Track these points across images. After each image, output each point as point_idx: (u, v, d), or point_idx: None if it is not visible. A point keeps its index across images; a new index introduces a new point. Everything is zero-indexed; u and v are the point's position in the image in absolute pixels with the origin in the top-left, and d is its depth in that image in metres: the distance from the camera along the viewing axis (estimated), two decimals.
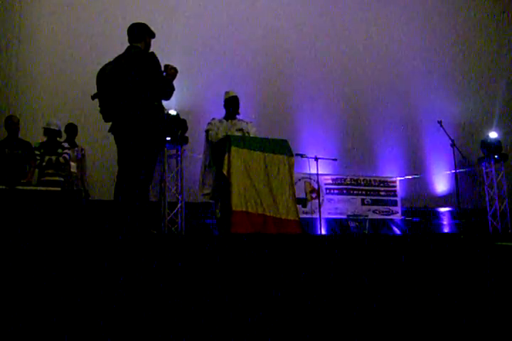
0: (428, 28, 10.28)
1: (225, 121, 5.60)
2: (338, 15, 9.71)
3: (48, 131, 6.29)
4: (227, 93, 5.72)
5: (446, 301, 2.25)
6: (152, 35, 4.33)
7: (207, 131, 5.53)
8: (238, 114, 5.66)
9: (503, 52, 10.75)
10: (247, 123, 5.65)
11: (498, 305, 2.19)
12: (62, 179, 6.25)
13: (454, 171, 7.22)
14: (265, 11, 9.18)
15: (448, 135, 6.97)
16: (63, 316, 1.85)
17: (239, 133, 5.47)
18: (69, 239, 4.74)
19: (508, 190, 9.31)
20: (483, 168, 9.54)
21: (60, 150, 6.27)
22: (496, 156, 9.20)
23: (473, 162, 9.54)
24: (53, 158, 6.20)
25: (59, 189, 5.99)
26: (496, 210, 9.29)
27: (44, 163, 6.18)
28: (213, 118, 5.62)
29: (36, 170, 6.26)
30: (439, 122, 6.99)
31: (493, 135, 9.37)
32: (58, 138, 6.43)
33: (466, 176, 9.44)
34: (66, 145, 6.44)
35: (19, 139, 6.23)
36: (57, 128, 6.33)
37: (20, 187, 5.57)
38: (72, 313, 1.89)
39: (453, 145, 7.01)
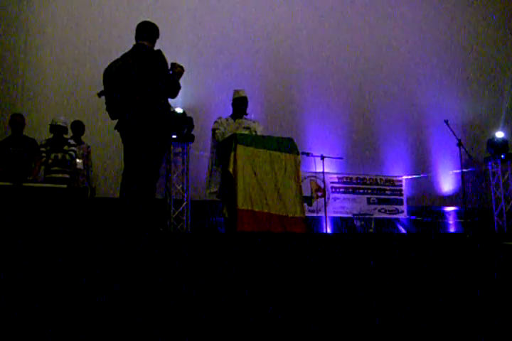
0: (435, 28, 10.23)
1: (231, 120, 5.58)
2: (345, 15, 9.68)
3: (54, 128, 6.30)
4: (236, 92, 5.67)
5: (452, 300, 2.24)
6: (158, 36, 4.35)
7: (213, 130, 5.51)
8: (246, 114, 5.65)
9: (509, 51, 10.70)
10: (253, 121, 5.64)
11: (504, 304, 2.18)
12: (68, 176, 6.26)
13: (460, 171, 7.20)
14: (273, 10, 9.16)
15: (454, 134, 6.94)
16: (67, 313, 1.85)
17: (246, 132, 5.45)
18: (75, 236, 4.75)
19: None
20: (490, 168, 9.50)
21: (66, 148, 6.28)
22: (502, 156, 9.17)
23: (480, 161, 9.51)
24: (59, 155, 6.21)
25: (65, 186, 6.00)
26: (501, 210, 9.25)
27: (50, 161, 6.19)
28: (220, 117, 5.60)
29: (43, 168, 6.27)
30: (446, 121, 6.97)
31: (499, 135, 9.34)
32: (65, 135, 6.43)
33: (472, 176, 9.41)
34: (72, 142, 6.43)
35: (24, 136, 6.23)
36: (63, 125, 6.33)
37: (26, 184, 5.58)
38: (77, 310, 1.89)
39: (459, 144, 6.99)
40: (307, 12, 9.43)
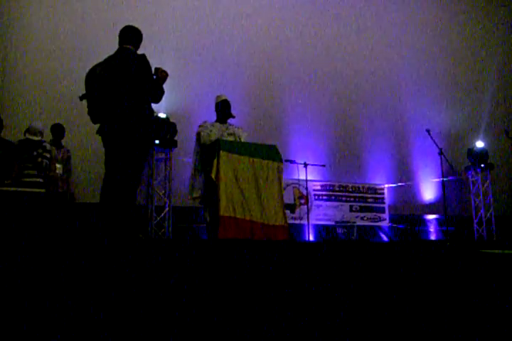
0: (418, 38, 10.37)
1: (216, 124, 5.56)
2: (330, 23, 9.76)
3: (27, 140, 6.10)
4: (218, 97, 5.69)
5: (431, 307, 2.24)
6: (141, 40, 4.32)
7: (198, 134, 5.46)
8: (233, 117, 5.63)
9: (490, 62, 10.87)
10: (238, 128, 5.63)
11: (482, 310, 2.19)
12: (41, 180, 6.07)
13: (441, 179, 7.26)
14: (258, 17, 9.19)
15: (436, 143, 7.01)
16: (42, 323, 1.81)
17: (230, 138, 5.43)
18: (53, 242, 4.69)
19: (493, 199, 9.40)
20: (470, 177, 9.64)
21: (40, 151, 6.09)
22: (482, 165, 9.31)
23: (460, 170, 9.63)
24: (35, 158, 6.03)
25: (43, 190, 5.89)
26: (481, 218, 9.37)
27: (29, 164, 6.04)
28: (205, 121, 5.57)
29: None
30: (428, 131, 7.04)
31: (479, 144, 9.49)
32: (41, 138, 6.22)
33: (452, 184, 9.52)
34: (47, 146, 6.23)
35: (2, 139, 6.09)
36: (37, 138, 6.07)
37: (2, 188, 5.48)
38: (54, 320, 1.85)
39: (440, 153, 7.06)
40: (292, 21, 9.48)
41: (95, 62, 4.19)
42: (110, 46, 4.31)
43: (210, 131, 5.42)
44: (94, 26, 7.94)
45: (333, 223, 8.54)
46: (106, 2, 8.23)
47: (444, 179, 7.20)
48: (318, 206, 8.59)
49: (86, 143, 7.03)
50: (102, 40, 6.94)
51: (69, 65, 7.53)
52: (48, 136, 6.56)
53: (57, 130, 6.72)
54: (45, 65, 7.71)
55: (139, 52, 4.27)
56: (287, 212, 5.71)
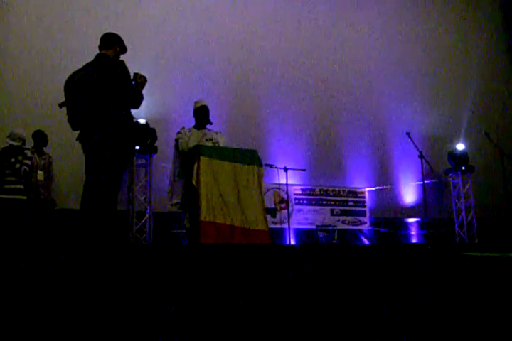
0: (398, 42, 10.45)
1: (195, 130, 5.59)
2: (310, 27, 9.80)
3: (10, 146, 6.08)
4: (196, 102, 5.72)
5: (413, 309, 2.26)
6: (123, 48, 4.32)
7: (176, 140, 5.50)
8: (210, 123, 5.65)
9: (470, 65, 10.98)
10: (216, 133, 5.65)
11: (463, 313, 2.21)
12: (22, 187, 6.03)
13: (421, 182, 7.31)
14: (236, 22, 9.21)
15: (416, 146, 7.05)
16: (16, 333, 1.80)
17: (209, 143, 5.46)
18: (34, 248, 4.64)
19: (474, 201, 9.47)
20: (451, 179, 9.71)
21: (20, 158, 6.05)
22: (462, 168, 9.37)
23: (441, 173, 9.70)
24: (14, 164, 5.97)
25: (24, 197, 5.86)
26: (462, 221, 9.43)
27: (8, 170, 5.98)
28: (183, 128, 5.60)
29: None
30: (408, 134, 7.09)
31: (460, 147, 9.56)
32: (22, 145, 6.20)
33: (433, 187, 9.58)
34: (29, 153, 6.20)
35: None
36: (16, 144, 6.07)
37: None
38: (35, 328, 1.84)
39: (421, 156, 7.10)
40: (272, 26, 9.51)
41: (76, 69, 4.19)
42: (91, 53, 4.30)
43: (189, 137, 5.45)
44: (73, 32, 7.91)
45: (314, 227, 8.55)
46: (84, 9, 8.19)
47: (425, 182, 7.25)
48: (299, 210, 8.61)
49: (67, 150, 6.97)
50: (83, 47, 6.90)
51: (50, 72, 7.48)
52: (29, 142, 6.53)
53: (39, 137, 6.69)
54: (25, 72, 7.66)
55: (123, 57, 4.28)
56: (268, 216, 5.71)
